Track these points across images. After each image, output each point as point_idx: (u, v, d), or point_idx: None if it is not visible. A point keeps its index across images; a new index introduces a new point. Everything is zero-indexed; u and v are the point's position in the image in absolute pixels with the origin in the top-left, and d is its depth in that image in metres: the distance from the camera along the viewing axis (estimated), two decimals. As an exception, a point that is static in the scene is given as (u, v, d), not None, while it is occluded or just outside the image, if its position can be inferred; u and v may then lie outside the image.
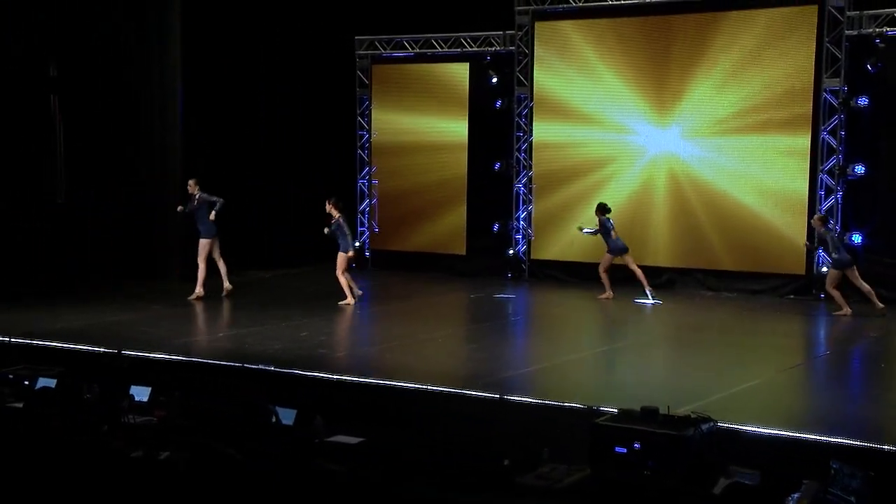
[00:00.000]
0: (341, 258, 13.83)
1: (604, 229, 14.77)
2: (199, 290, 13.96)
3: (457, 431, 8.42)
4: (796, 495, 6.63)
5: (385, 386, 8.89)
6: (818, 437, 7.27)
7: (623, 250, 14.69)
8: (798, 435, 7.38)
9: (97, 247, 15.83)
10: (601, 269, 14.87)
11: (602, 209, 14.79)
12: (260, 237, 17.40)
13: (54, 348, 10.52)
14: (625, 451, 6.91)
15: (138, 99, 16.42)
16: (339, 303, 13.69)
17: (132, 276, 15.78)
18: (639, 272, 14.64)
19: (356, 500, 6.38)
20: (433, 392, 8.74)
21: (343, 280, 13.85)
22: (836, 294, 13.41)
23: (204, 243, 14.08)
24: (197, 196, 14.09)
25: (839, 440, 7.19)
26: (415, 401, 8.70)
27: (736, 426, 7.45)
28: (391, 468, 7.47)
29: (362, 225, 18.48)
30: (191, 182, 14.19)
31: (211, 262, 14.23)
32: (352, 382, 9.02)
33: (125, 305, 13.51)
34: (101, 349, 10.30)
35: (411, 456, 7.71)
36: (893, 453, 6.99)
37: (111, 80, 16.23)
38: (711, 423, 7.08)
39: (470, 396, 8.62)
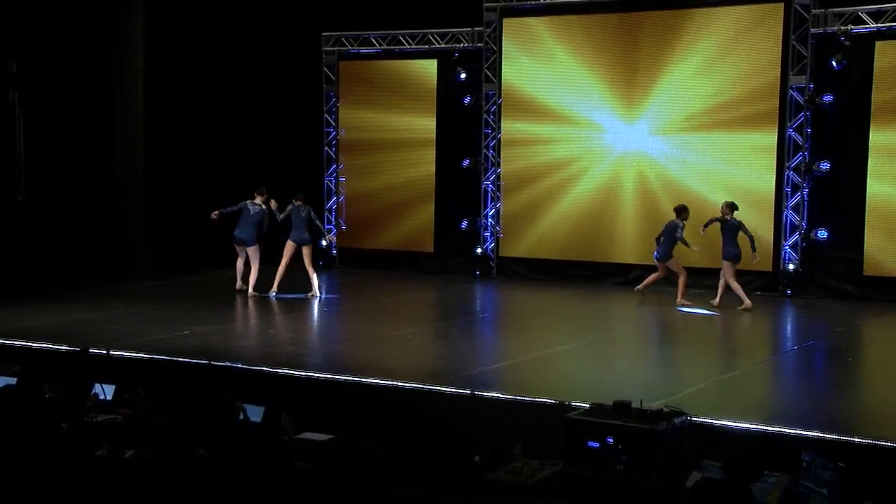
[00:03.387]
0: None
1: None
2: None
3: (427, 428, 8.35)
4: (761, 484, 6.63)
5: (354, 383, 8.78)
6: (789, 431, 7.27)
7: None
8: (769, 428, 7.38)
9: (59, 245, 15.56)
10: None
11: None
12: (226, 235, 17.19)
13: (16, 346, 10.32)
14: (597, 445, 6.86)
15: (100, 95, 16.17)
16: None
17: (95, 275, 15.54)
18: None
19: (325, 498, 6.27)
20: (403, 388, 8.65)
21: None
22: (736, 286, 13.48)
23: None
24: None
25: (810, 433, 7.18)
26: (384, 397, 8.61)
27: (708, 420, 7.42)
28: (360, 465, 7.40)
29: (329, 223, 18.34)
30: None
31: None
32: (321, 379, 8.91)
33: (89, 304, 13.32)
34: (64, 347, 10.12)
35: (380, 453, 7.64)
36: (864, 446, 6.99)
37: (72, 76, 15.96)
38: (684, 417, 7.05)
39: (440, 393, 8.54)
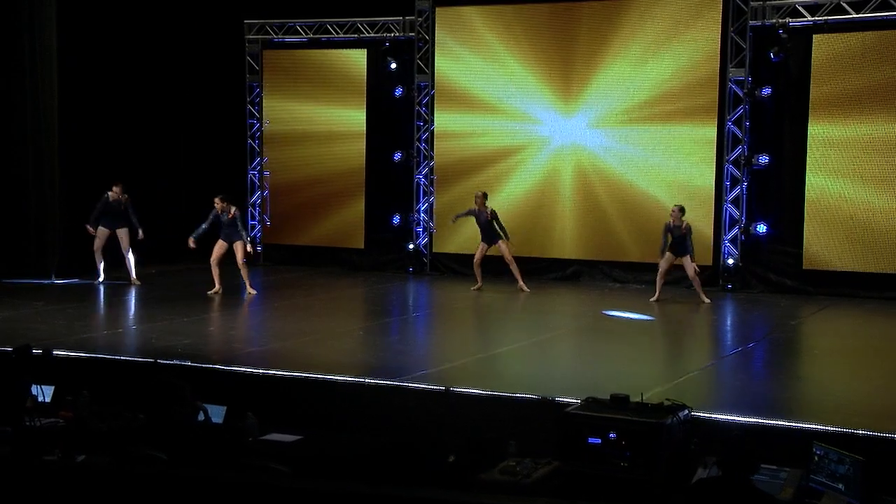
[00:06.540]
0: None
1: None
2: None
3: (398, 426, 7.82)
4: (772, 480, 6.29)
5: (322, 380, 8.16)
6: (794, 424, 6.95)
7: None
8: (772, 422, 7.05)
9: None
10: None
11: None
12: (145, 232, 16.32)
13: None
14: (599, 441, 6.44)
15: (11, 90, 15.06)
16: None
17: (7, 273, 14.54)
18: None
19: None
20: (371, 385, 8.09)
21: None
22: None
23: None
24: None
25: (814, 426, 6.88)
26: (353, 395, 8.03)
27: (709, 415, 7.06)
28: (337, 466, 6.85)
29: (253, 218, 17.58)
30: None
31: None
32: (285, 377, 8.28)
33: (4, 303, 12.38)
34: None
35: (357, 453, 7.10)
36: (870, 438, 6.71)
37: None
38: (687, 411, 6.67)
39: (412, 389, 8.00)
